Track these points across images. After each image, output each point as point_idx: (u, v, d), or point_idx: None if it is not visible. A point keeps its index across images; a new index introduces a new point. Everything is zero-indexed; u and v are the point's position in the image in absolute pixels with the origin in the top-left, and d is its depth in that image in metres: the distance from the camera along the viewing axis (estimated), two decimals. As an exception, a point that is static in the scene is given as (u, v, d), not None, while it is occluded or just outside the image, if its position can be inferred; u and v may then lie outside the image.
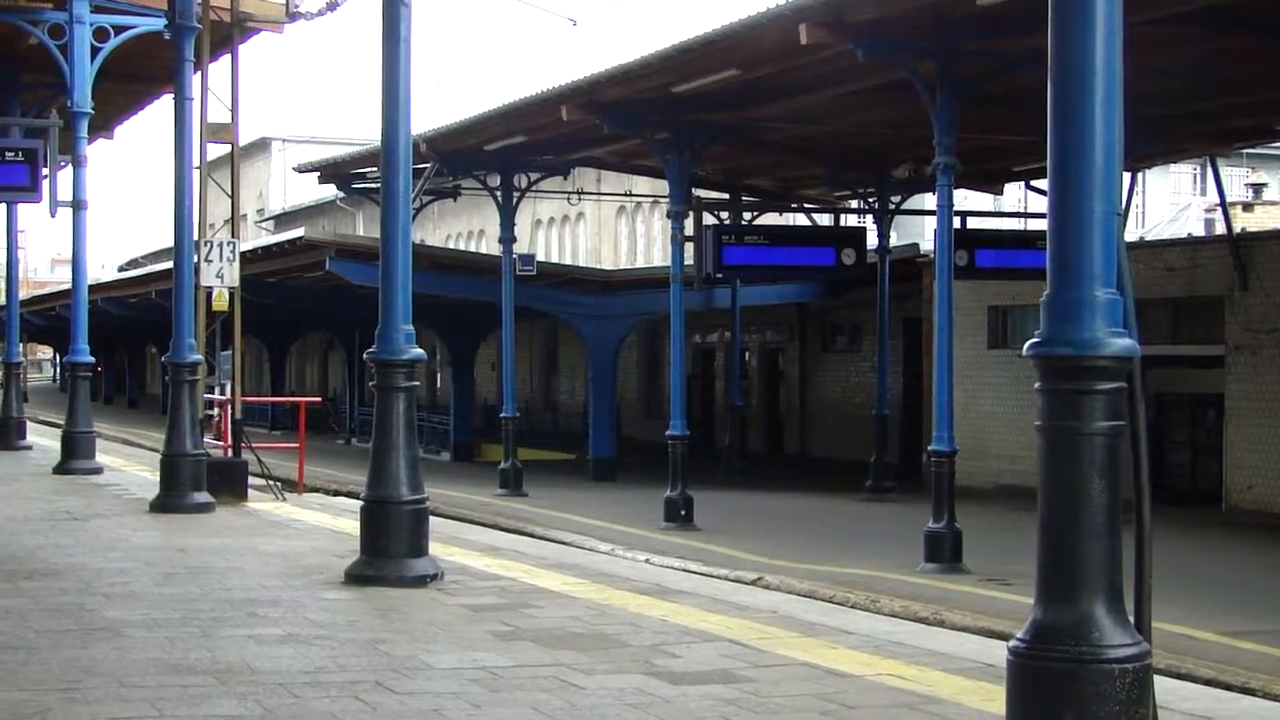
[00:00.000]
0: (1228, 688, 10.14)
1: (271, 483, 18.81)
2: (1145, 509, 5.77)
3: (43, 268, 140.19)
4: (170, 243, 17.83)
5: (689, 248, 25.73)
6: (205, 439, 18.10)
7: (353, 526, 12.35)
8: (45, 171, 21.89)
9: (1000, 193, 35.99)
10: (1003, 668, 5.76)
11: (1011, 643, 5.66)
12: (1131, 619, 5.64)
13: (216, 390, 20.33)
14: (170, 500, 16.27)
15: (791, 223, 36.58)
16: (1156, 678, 5.72)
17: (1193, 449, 29.39)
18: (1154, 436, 25.78)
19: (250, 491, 18.00)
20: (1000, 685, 5.95)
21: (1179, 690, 7.30)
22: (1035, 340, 5.69)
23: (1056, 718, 5.47)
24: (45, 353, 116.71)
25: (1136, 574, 5.77)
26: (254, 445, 18.83)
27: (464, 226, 60.41)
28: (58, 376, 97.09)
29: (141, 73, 24.01)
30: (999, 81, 20.16)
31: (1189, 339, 28.54)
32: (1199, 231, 42.26)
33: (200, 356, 17.37)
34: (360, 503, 11.45)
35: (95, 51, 21.00)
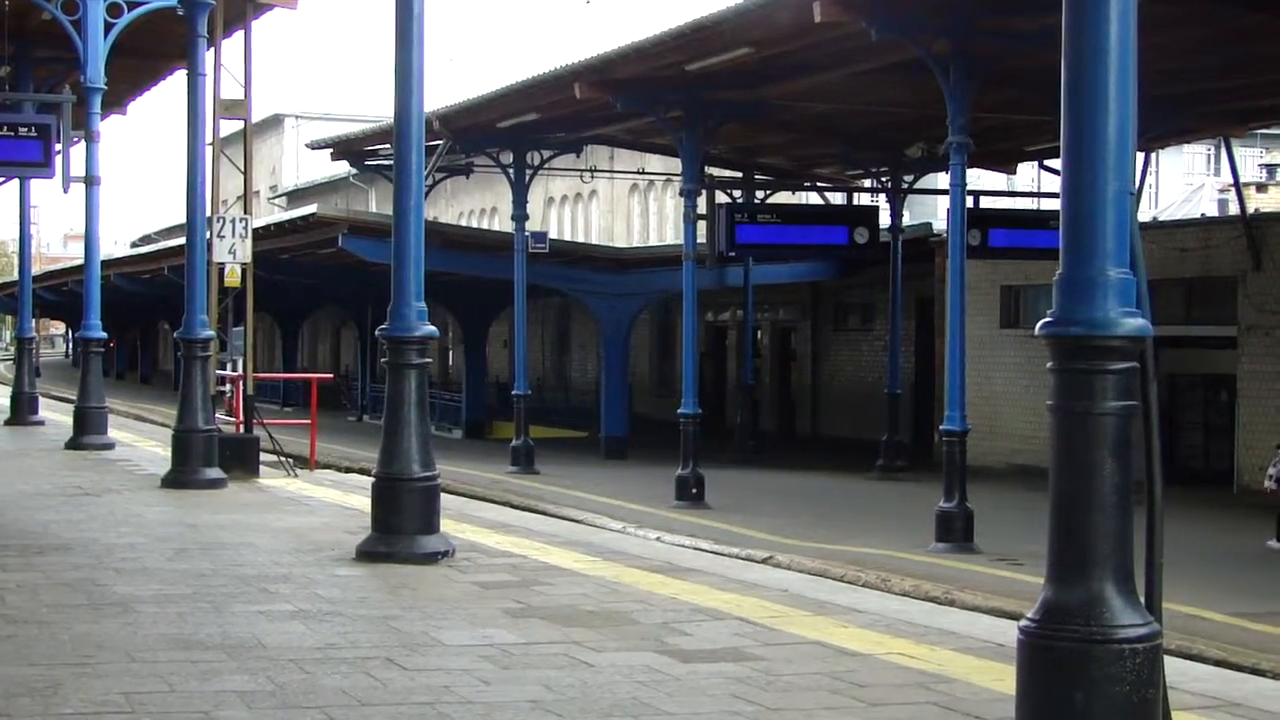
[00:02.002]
0: (1238, 668, 10.14)
1: (283, 459, 18.84)
2: (1157, 489, 5.76)
3: (55, 243, 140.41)
4: (183, 219, 17.84)
5: (702, 226, 25.71)
6: (217, 415, 18.13)
7: (364, 503, 12.37)
8: (58, 147, 21.87)
9: (1013, 172, 35.93)
10: (1013, 647, 5.76)
11: (1022, 622, 5.65)
12: (1142, 599, 5.63)
13: (229, 366, 20.36)
14: (182, 476, 16.30)
15: (804, 201, 36.54)
16: (1167, 658, 5.72)
17: (1205, 430, 29.38)
18: (1166, 417, 25.73)
19: (262, 468, 18.02)
20: (1011, 665, 5.94)
21: (1189, 671, 7.30)
22: (1047, 320, 5.66)
23: (1067, 698, 5.46)
24: (58, 328, 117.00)
25: (1148, 554, 5.76)
26: (266, 421, 18.87)
27: (477, 204, 60.39)
28: (70, 352, 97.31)
29: (155, 49, 23.98)
30: (1012, 60, 20.12)
31: (1202, 319, 28.50)
32: (1212, 212, 42.16)
33: (213, 333, 17.39)
34: (372, 479, 11.47)
35: (109, 27, 20.96)
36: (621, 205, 52.69)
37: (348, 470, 24.44)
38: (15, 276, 37.41)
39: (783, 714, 6.60)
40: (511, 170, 32.01)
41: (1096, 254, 5.56)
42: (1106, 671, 5.41)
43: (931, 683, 7.15)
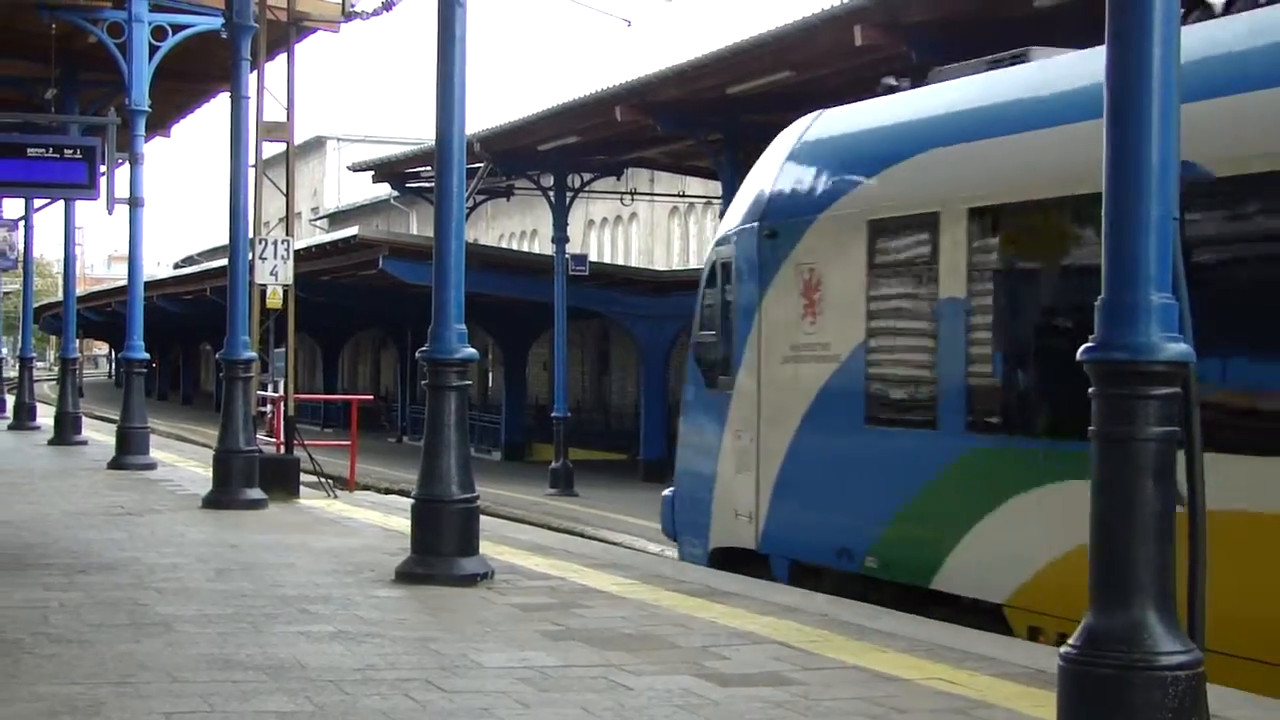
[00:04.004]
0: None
1: (323, 480, 18.89)
2: (1200, 515, 5.73)
3: (99, 264, 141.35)
4: (225, 240, 17.94)
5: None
6: (258, 436, 18.19)
7: (404, 524, 12.39)
8: (103, 169, 21.99)
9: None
10: (1054, 674, 5.73)
11: (1063, 649, 5.63)
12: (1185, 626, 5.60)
13: (270, 387, 20.43)
14: (223, 496, 16.36)
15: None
16: (1209, 685, 5.68)
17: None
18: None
19: (302, 489, 18.07)
20: (1051, 691, 5.92)
21: (1229, 698, 7.24)
22: (1090, 345, 5.65)
23: (1108, 725, 5.43)
24: (101, 348, 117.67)
25: (1190, 581, 5.73)
26: (306, 443, 18.91)
27: (517, 226, 60.52)
28: (113, 372, 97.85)
29: (198, 71, 24.18)
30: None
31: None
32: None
33: (254, 354, 17.45)
34: (411, 501, 11.49)
35: (153, 50, 21.15)
36: (661, 228, 52.70)
37: (387, 491, 24.51)
38: (60, 297, 37.69)
39: (822, 739, 6.58)
40: (552, 193, 32.09)
41: (1139, 279, 5.54)
42: (1148, 699, 5.39)
43: (971, 709, 7.12)
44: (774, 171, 13.45)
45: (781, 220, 12.90)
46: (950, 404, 11.00)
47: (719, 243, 14.29)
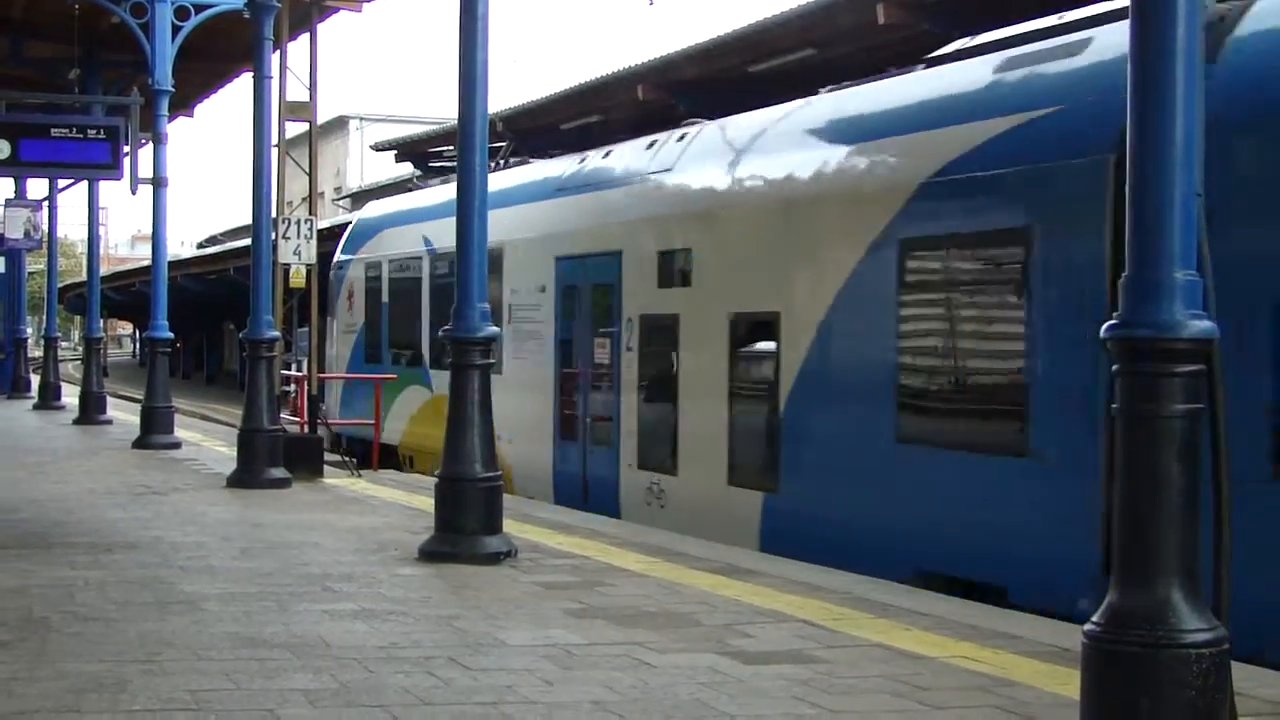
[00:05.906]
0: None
1: (347, 459, 18.93)
2: (1225, 493, 5.71)
3: (123, 244, 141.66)
4: (249, 220, 17.97)
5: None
6: (282, 415, 18.23)
7: (427, 503, 12.42)
8: (126, 149, 22.07)
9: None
10: (1077, 651, 5.73)
11: (1086, 626, 5.61)
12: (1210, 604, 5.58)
13: (294, 367, 20.46)
14: (247, 476, 16.40)
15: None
16: (1234, 663, 5.67)
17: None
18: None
19: (326, 468, 18.12)
20: (1075, 669, 5.91)
21: (1257, 676, 7.23)
22: (1113, 321, 5.63)
23: (1131, 703, 5.42)
24: (125, 328, 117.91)
25: (1215, 558, 5.71)
26: (330, 422, 18.95)
27: (539, 205, 60.40)
28: (137, 352, 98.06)
29: (221, 51, 24.18)
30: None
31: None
32: None
33: (278, 333, 17.49)
34: (435, 480, 11.52)
35: (176, 30, 21.16)
36: (684, 207, 52.62)
37: (421, 471, 24.48)
38: (84, 277, 37.78)
39: (845, 716, 6.59)
40: (574, 172, 31.99)
41: (1163, 256, 5.52)
42: (1172, 677, 5.38)
43: (994, 686, 7.12)
44: (349, 229, 26.36)
45: (346, 259, 25.34)
46: (387, 353, 22.91)
47: (330, 268, 25.61)
